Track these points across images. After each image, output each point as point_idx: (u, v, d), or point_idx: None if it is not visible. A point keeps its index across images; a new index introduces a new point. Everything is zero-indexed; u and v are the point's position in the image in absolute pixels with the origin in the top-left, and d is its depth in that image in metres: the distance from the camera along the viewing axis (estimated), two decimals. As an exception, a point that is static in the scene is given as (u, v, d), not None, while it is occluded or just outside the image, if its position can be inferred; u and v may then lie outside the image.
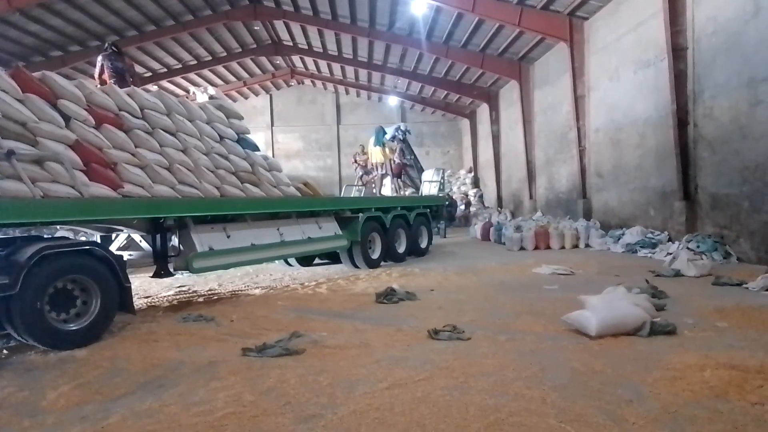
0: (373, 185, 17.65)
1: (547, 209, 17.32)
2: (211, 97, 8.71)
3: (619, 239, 11.49)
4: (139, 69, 18.84)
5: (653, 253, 10.01)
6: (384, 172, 16.84)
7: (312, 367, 3.91)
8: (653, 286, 6.24)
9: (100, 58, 9.06)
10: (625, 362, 3.75)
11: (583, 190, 14.41)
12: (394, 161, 16.64)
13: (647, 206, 11.48)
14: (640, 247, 10.57)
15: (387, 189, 16.93)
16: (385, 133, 16.80)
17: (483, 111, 25.20)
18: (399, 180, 17.08)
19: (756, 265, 7.89)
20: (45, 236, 5.89)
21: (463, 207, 23.89)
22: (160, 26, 18.89)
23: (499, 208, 22.46)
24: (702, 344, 4.12)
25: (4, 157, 4.79)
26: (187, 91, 25.83)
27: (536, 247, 12.52)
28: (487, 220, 18.34)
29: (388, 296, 6.56)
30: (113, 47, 9.19)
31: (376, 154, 16.56)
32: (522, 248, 12.54)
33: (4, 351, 4.76)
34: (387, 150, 16.54)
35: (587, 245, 12.52)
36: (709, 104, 9.19)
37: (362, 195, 17.10)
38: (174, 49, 21.29)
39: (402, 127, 17.21)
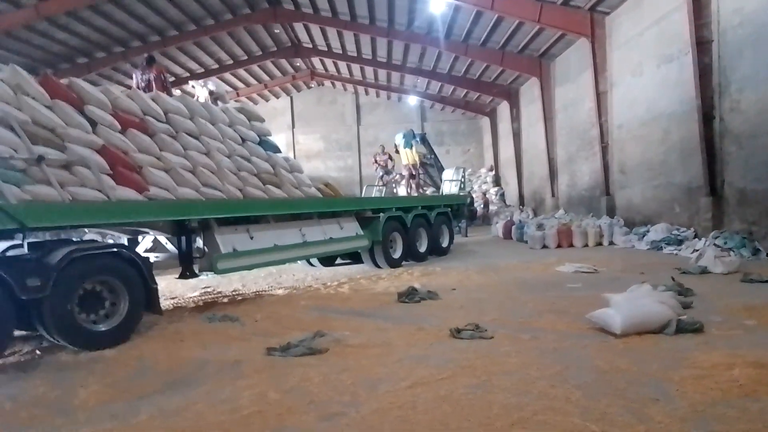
0: (394, 185, 17.70)
1: (569, 207, 17.13)
2: (211, 93, 8.79)
3: (643, 236, 11.32)
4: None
5: (679, 250, 9.83)
6: (414, 173, 17.29)
7: (335, 365, 3.94)
8: (679, 284, 6.13)
9: (135, 72, 9.36)
10: (650, 361, 3.69)
11: (606, 187, 14.21)
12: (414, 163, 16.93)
13: (672, 203, 11.28)
14: (666, 244, 10.39)
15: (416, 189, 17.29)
16: (414, 136, 17.41)
17: (503, 109, 25.02)
18: (412, 181, 17.39)
19: (786, 262, 7.70)
20: (74, 239, 6.03)
21: (481, 206, 23.77)
22: (182, 31, 19.18)
23: (520, 206, 22.29)
24: (730, 342, 4.04)
25: (35, 162, 4.91)
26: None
27: (559, 245, 12.41)
28: (508, 218, 18.22)
29: (409, 295, 6.56)
30: (146, 59, 9.45)
31: (406, 156, 17.01)
32: (544, 246, 12.44)
33: (37, 351, 4.88)
34: (415, 152, 17.02)
35: (611, 243, 12.36)
36: (735, 97, 8.99)
37: (383, 195, 17.17)
38: (196, 54, 21.59)
39: (406, 133, 17.49)
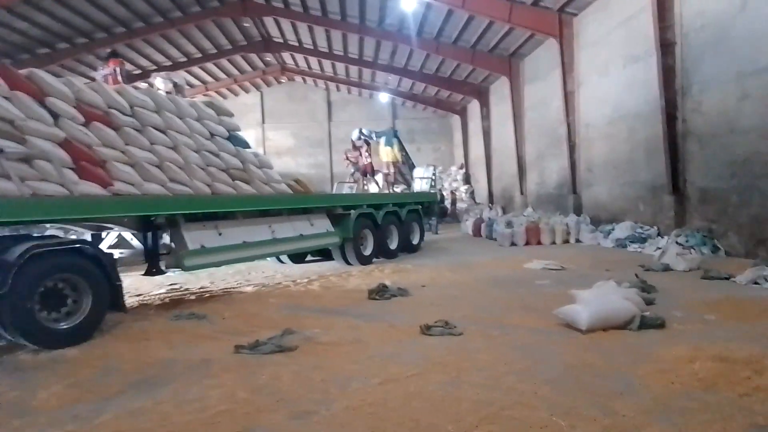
0: (365, 182, 17.72)
1: (538, 205, 17.37)
2: (175, 84, 8.63)
3: (609, 234, 11.55)
4: (128, 66, 18.69)
5: (643, 248, 10.08)
6: (393, 170, 17.60)
7: (305, 363, 3.92)
8: (643, 281, 6.28)
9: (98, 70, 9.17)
10: (615, 355, 3.78)
11: (573, 185, 14.47)
12: (365, 161, 17.12)
13: (637, 201, 11.55)
14: (630, 242, 10.63)
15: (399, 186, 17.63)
16: (395, 135, 18.00)
17: (474, 107, 25.23)
18: (371, 177, 17.62)
19: (744, 259, 7.96)
20: (34, 235, 5.84)
21: (449, 203, 23.96)
22: (148, 23, 18.77)
23: (490, 204, 22.49)
24: (691, 337, 4.17)
25: (-8, 156, 4.74)
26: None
27: (527, 243, 12.56)
28: (478, 216, 18.38)
29: (380, 293, 6.57)
30: (107, 55, 9.28)
31: (387, 154, 17.31)
32: (513, 244, 12.58)
33: (-6, 351, 4.72)
34: (397, 150, 17.47)
35: (578, 240, 12.58)
36: (697, 99, 9.26)
37: (354, 191, 17.14)
38: (163, 46, 21.14)
39: (365, 132, 17.65)
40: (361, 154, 17.30)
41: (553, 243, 12.56)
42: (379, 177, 17.77)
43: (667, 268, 7.63)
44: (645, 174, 11.17)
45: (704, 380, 3.20)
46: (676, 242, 8.78)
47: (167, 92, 9.30)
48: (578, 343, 4.15)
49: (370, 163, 17.11)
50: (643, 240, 10.43)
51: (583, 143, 14.02)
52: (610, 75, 12.38)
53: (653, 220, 10.87)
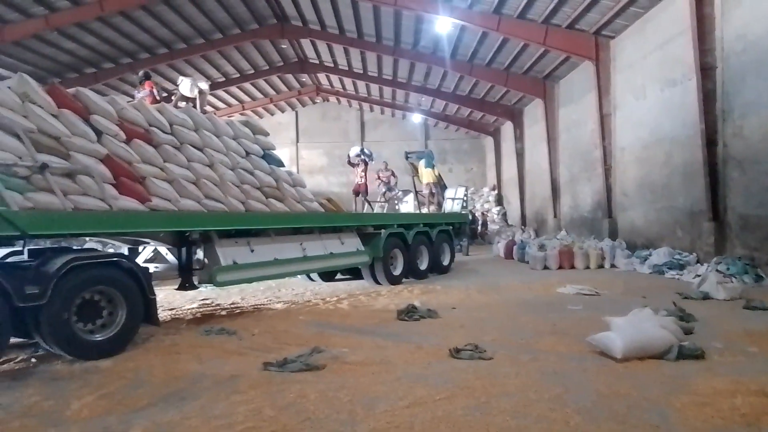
0: (396, 201, 17.74)
1: (571, 228, 17.11)
2: (200, 92, 8.75)
3: (645, 260, 11.26)
4: (169, 86, 19.30)
5: (681, 275, 9.78)
6: (435, 191, 17.80)
7: (332, 383, 3.90)
8: (681, 309, 6.08)
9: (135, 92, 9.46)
10: (651, 386, 3.65)
11: (608, 209, 14.21)
12: (359, 180, 16.78)
13: (674, 226, 11.26)
14: (668, 268, 10.34)
15: (432, 207, 17.62)
16: (432, 156, 18.47)
17: (507, 129, 25.13)
18: (432, 199, 17.65)
19: (789, 289, 7.65)
20: (74, 248, 6.02)
21: (480, 225, 23.74)
22: (189, 44, 19.39)
23: (522, 227, 22.26)
24: (732, 369, 4.00)
25: (38, 170, 4.92)
26: (218, 108, 26.31)
27: (560, 267, 12.35)
28: (510, 238, 18.18)
29: (409, 313, 6.52)
30: (142, 76, 9.57)
31: (427, 175, 17.62)
32: (546, 267, 12.38)
33: (32, 359, 4.84)
34: (436, 171, 17.85)
35: (612, 265, 12.30)
36: (738, 123, 9.02)
37: (385, 211, 17.15)
38: (203, 66, 21.78)
39: (366, 151, 17.49)
40: (356, 173, 17.01)
41: (587, 267, 12.30)
42: (410, 197, 17.82)
43: (706, 297, 7.36)
44: (683, 199, 10.90)
45: (747, 416, 3.06)
46: (717, 270, 8.50)
47: (191, 98, 9.44)
48: (612, 372, 4.02)
49: (365, 183, 16.75)
50: (681, 267, 10.13)
51: (619, 167, 13.78)
52: (647, 98, 12.19)
53: (691, 247, 10.56)
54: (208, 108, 22.83)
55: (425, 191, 17.94)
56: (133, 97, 9.86)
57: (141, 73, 10.09)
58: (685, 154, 10.65)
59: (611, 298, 7.76)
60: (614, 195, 14.06)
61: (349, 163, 17.37)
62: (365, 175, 16.72)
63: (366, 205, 16.80)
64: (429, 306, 6.98)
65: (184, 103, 9.44)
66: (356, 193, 16.70)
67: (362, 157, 16.89)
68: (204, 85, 9.14)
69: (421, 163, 17.96)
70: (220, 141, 7.57)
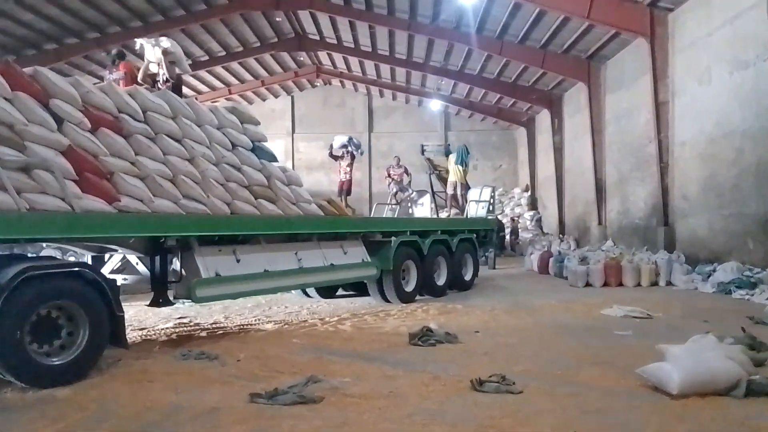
0: (409, 204, 17.73)
1: (619, 238, 17.07)
2: (164, 51, 8.71)
3: (708, 276, 11.22)
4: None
5: (752, 295, 9.72)
6: (462, 193, 17.41)
7: (331, 418, 3.91)
8: (751, 336, 6.03)
9: (105, 73, 9.50)
10: (714, 428, 3.64)
11: (664, 216, 14.15)
12: (343, 177, 16.93)
13: (745, 237, 11.20)
14: (736, 286, 10.28)
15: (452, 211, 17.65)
16: (468, 152, 17.96)
17: (543, 118, 25.14)
18: (454, 201, 17.62)
19: None
20: (29, 255, 6.07)
21: (509, 233, 23.68)
22: (167, 17, 19.54)
23: (560, 235, 22.23)
24: (813, 410, 3.97)
25: (-13, 164, 4.97)
26: (200, 92, 26.32)
27: (605, 284, 12.32)
28: (546, 249, 18.15)
29: (423, 337, 6.51)
30: (115, 55, 9.62)
31: (455, 173, 17.42)
32: (588, 284, 12.36)
33: (-22, 387, 4.90)
34: (463, 171, 17.57)
35: (669, 283, 12.25)
36: (823, 113, 8.97)
37: (395, 215, 17.15)
38: (183, 43, 21.80)
39: (355, 141, 17.52)
40: (340, 168, 17.07)
41: (638, 285, 12.27)
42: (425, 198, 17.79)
43: (782, 322, 7.33)
44: (756, 205, 10.83)
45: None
46: (795, 290, 8.44)
47: (156, 63, 9.30)
48: (667, 411, 4.01)
49: (349, 180, 16.88)
50: (752, 285, 10.07)
51: (678, 165, 13.72)
52: (712, 83, 12.14)
53: (765, 262, 10.50)
54: (188, 92, 23.01)
55: (449, 191, 17.86)
56: (101, 78, 9.89)
57: (114, 51, 10.01)
58: (759, 150, 10.60)
59: (667, 323, 7.73)
60: (672, 199, 14.00)
61: (331, 155, 17.34)
62: (350, 170, 16.78)
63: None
64: (447, 329, 6.98)
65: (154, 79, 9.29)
66: (339, 191, 16.74)
67: (350, 148, 16.86)
68: (167, 43, 9.01)
69: (451, 158, 17.81)
70: (202, 131, 7.61)
